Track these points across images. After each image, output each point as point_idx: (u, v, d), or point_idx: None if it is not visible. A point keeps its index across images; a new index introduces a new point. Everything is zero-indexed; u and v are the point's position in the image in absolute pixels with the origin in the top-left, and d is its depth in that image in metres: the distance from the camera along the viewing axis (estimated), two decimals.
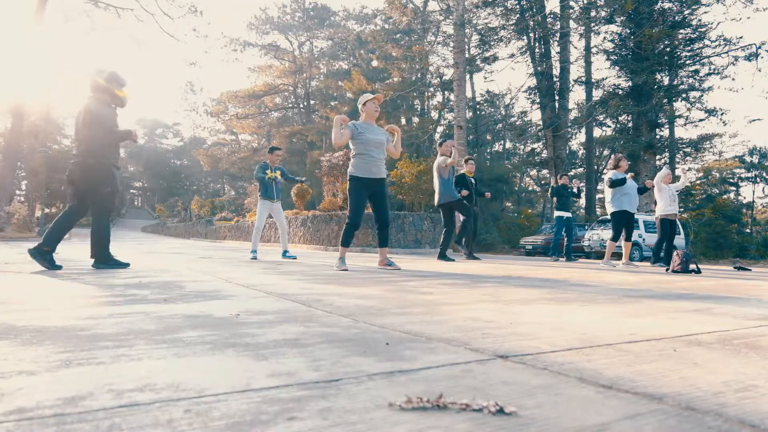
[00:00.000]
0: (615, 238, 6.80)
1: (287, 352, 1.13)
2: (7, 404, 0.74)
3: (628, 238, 6.80)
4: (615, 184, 6.70)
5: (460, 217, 8.16)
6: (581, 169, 27.85)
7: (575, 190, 8.82)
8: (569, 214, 8.61)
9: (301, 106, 38.34)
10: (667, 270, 5.64)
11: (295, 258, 6.39)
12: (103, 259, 4.01)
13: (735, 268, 7.43)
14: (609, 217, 7.00)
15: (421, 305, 2.02)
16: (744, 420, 0.73)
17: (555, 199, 8.71)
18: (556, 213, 8.65)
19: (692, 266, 5.48)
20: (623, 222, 6.75)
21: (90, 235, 4.04)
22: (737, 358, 1.16)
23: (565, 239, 8.63)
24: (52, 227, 3.87)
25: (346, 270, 4.33)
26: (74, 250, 8.98)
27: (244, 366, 1.00)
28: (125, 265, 4.13)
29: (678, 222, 15.09)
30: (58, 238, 3.83)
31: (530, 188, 38.96)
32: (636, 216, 11.74)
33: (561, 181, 8.84)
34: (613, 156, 7.21)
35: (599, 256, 13.80)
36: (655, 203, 7.54)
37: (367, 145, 4.54)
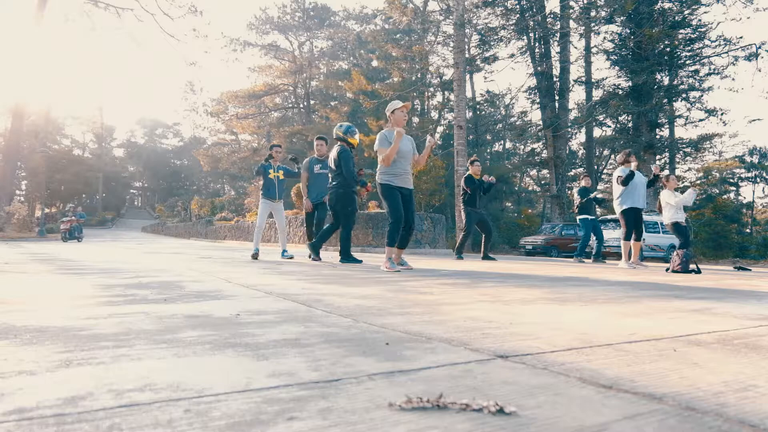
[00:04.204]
0: (628, 237, 6.64)
1: (287, 352, 1.13)
2: (7, 404, 0.74)
3: (638, 238, 6.64)
4: (626, 180, 6.49)
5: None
6: (581, 169, 27.84)
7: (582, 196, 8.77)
8: (593, 216, 8.53)
9: (301, 106, 38.32)
10: (667, 270, 5.64)
11: (293, 257, 6.40)
12: (345, 255, 5.53)
13: (735, 268, 7.43)
14: (618, 216, 6.82)
15: (421, 305, 2.02)
16: (744, 420, 0.73)
17: (579, 200, 8.58)
18: (581, 216, 8.50)
19: (692, 266, 5.49)
20: (633, 219, 6.61)
21: (339, 238, 5.66)
22: (737, 358, 1.16)
23: (596, 241, 8.60)
24: (322, 234, 5.78)
25: (399, 271, 4.29)
26: (73, 249, 9.00)
27: (244, 366, 1.00)
28: (359, 261, 5.53)
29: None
30: (324, 240, 5.79)
31: (530, 188, 38.93)
32: None
33: (583, 183, 8.79)
34: (622, 152, 7.08)
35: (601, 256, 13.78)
36: (659, 206, 7.45)
37: (397, 154, 4.57)
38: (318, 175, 6.45)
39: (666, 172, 7.95)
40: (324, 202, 6.38)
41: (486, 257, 8.10)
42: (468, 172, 8.21)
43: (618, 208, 6.70)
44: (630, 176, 6.43)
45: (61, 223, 18.42)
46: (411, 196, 4.77)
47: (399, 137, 4.46)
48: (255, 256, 6.16)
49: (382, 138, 4.62)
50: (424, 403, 0.75)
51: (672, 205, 6.84)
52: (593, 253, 8.63)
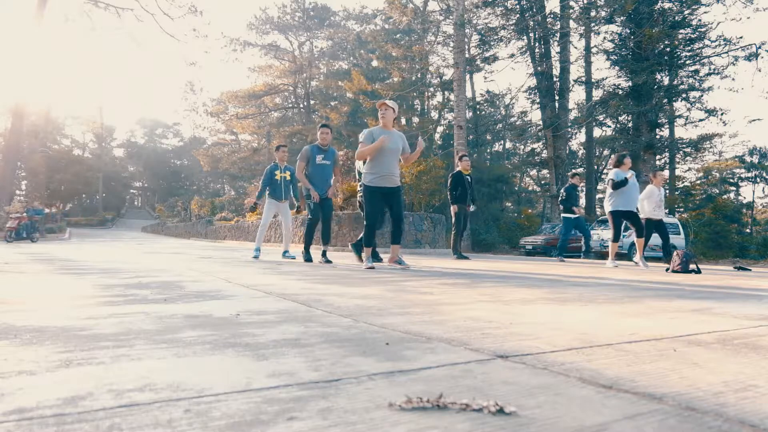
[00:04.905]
0: (616, 238, 6.67)
1: (287, 352, 1.13)
2: (7, 404, 0.74)
3: (639, 235, 6.62)
4: (617, 185, 6.54)
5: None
6: (581, 169, 27.86)
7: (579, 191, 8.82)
8: (577, 215, 8.56)
9: (301, 106, 38.32)
10: (667, 270, 5.64)
11: (294, 258, 6.39)
12: (358, 249, 5.63)
13: (735, 268, 7.42)
14: (607, 216, 6.87)
15: (421, 305, 2.02)
16: (744, 420, 0.73)
17: (564, 198, 8.59)
18: (565, 214, 8.52)
19: (692, 266, 5.48)
20: (622, 221, 6.63)
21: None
22: (737, 358, 1.16)
23: (583, 239, 8.64)
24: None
25: (373, 268, 4.52)
26: (73, 249, 8.99)
27: (244, 366, 1.00)
28: (379, 260, 5.84)
29: (678, 222, 15.13)
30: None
31: (530, 188, 38.92)
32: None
33: (572, 181, 8.77)
34: (616, 155, 7.07)
35: (599, 256, 13.79)
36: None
37: (382, 152, 4.60)
38: (321, 166, 5.80)
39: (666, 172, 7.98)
40: (329, 198, 5.91)
41: (457, 253, 7.92)
42: (457, 169, 7.93)
43: (607, 208, 6.72)
44: (623, 182, 6.49)
45: (9, 219, 15.02)
46: (397, 193, 4.77)
47: (379, 144, 4.56)
48: (257, 258, 6.16)
49: (368, 134, 4.69)
50: (424, 403, 0.75)
51: (653, 201, 6.91)
52: (582, 251, 8.62)
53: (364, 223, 4.72)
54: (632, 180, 6.65)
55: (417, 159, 4.92)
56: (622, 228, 6.72)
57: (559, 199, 8.70)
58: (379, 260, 6.05)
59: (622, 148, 19.66)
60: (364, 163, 5.73)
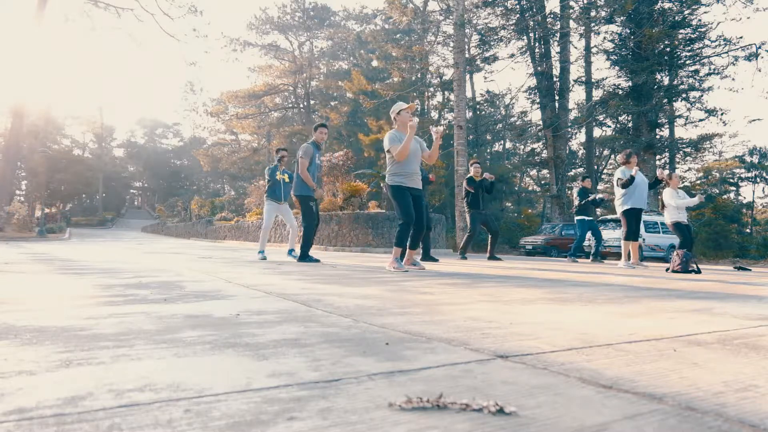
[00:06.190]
0: (628, 237, 6.60)
1: (287, 352, 1.13)
2: (7, 404, 0.74)
3: (635, 238, 6.62)
4: (625, 185, 6.50)
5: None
6: (581, 169, 27.87)
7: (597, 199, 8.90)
8: (591, 218, 8.63)
9: (301, 106, 38.31)
10: (667, 270, 5.64)
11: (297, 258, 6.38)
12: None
13: (735, 268, 7.43)
14: (619, 216, 6.81)
15: (421, 305, 2.02)
16: (744, 420, 0.73)
17: (578, 201, 8.65)
18: (579, 216, 8.62)
19: (692, 266, 5.49)
20: (636, 219, 6.60)
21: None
22: (737, 358, 1.16)
23: (594, 241, 8.73)
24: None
25: (407, 271, 4.32)
26: (73, 249, 9.00)
27: (244, 366, 1.00)
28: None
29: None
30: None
31: (530, 188, 38.93)
32: None
33: (583, 184, 8.89)
34: (622, 153, 7.03)
35: (599, 256, 13.77)
36: (661, 206, 7.39)
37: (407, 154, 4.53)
38: (318, 166, 5.86)
39: (667, 171, 7.86)
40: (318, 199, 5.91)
41: (492, 257, 8.16)
42: (469, 174, 8.31)
43: (619, 208, 6.68)
44: (630, 180, 6.43)
45: None
46: (422, 197, 4.69)
47: (413, 131, 4.38)
48: (264, 259, 6.12)
49: (393, 137, 4.55)
50: (424, 403, 0.75)
51: (674, 206, 6.81)
52: (592, 253, 8.72)
53: (399, 222, 4.51)
54: (640, 176, 6.61)
55: (438, 151, 4.72)
56: (640, 226, 6.66)
57: (575, 206, 8.74)
58: (435, 260, 5.96)
59: (622, 148, 19.66)
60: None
